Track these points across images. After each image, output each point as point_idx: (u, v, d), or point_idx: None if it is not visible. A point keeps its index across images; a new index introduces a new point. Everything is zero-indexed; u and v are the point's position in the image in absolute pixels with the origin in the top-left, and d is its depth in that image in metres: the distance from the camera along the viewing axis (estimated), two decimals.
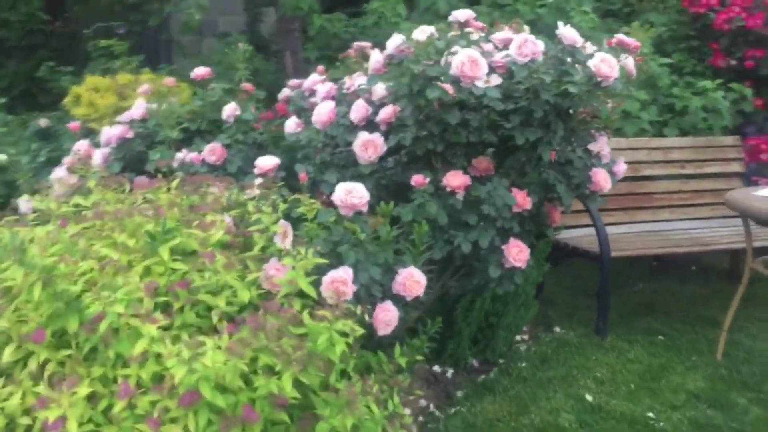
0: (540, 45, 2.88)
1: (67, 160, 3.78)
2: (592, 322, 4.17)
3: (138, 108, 3.68)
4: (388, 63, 2.96)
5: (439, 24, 3.23)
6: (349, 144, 2.95)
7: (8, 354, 2.12)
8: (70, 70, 6.57)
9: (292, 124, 3.19)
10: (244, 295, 2.30)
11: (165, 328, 2.17)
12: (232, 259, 2.38)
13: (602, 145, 3.35)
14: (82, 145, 3.75)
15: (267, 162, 3.00)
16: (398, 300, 2.61)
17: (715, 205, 4.85)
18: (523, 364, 3.65)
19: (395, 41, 2.99)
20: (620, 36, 3.04)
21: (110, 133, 3.68)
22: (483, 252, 2.95)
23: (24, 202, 3.54)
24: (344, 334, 2.19)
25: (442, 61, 2.87)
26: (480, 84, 2.72)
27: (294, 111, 3.55)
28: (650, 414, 3.23)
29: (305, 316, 2.22)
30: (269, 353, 2.07)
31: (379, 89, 3.31)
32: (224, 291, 2.31)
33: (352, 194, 2.57)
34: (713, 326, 4.23)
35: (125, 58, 5.91)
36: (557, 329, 4.11)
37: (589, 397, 3.35)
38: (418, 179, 2.85)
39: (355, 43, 4.11)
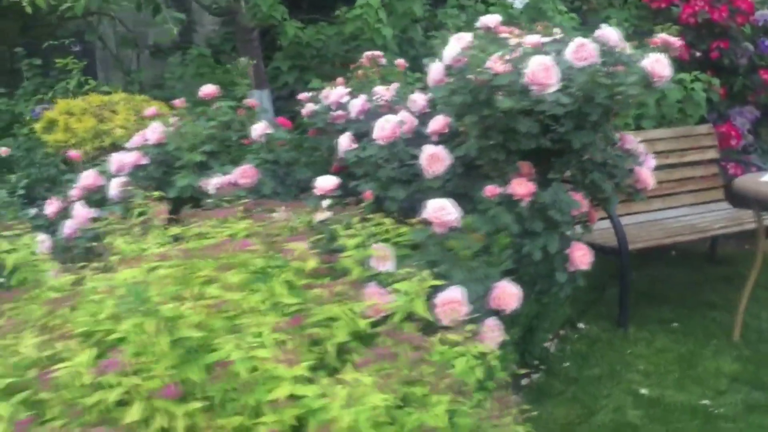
0: (596, 48, 2.89)
1: (74, 192, 3.51)
2: (606, 315, 4.26)
3: (154, 131, 3.45)
4: (448, 73, 2.89)
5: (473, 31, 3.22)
6: (414, 158, 2.87)
7: (136, 413, 1.93)
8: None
9: (346, 141, 3.07)
10: (356, 325, 2.20)
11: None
12: (333, 288, 2.27)
13: (635, 142, 3.42)
14: (89, 176, 3.49)
15: (327, 182, 2.89)
16: (494, 314, 2.56)
17: (697, 192, 5.07)
18: (567, 364, 3.68)
19: (452, 51, 2.93)
20: (663, 35, 3.09)
21: (123, 160, 3.44)
22: (552, 257, 2.95)
23: (44, 241, 3.28)
24: (478, 357, 2.13)
25: (499, 66, 2.84)
26: (553, 90, 2.70)
27: (326, 127, 3.44)
28: (705, 401, 3.32)
29: (436, 341, 2.14)
30: (421, 384, 1.98)
31: (420, 99, 3.26)
32: (336, 322, 2.20)
33: (444, 211, 2.51)
34: (714, 309, 4.41)
35: (78, 77, 5.56)
36: (581, 325, 4.17)
37: (644, 391, 3.41)
38: (490, 190, 2.81)
39: (367, 53, 4.02)
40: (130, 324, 1.98)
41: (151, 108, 3.81)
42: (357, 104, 3.34)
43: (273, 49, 6.02)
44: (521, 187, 2.86)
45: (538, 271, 2.99)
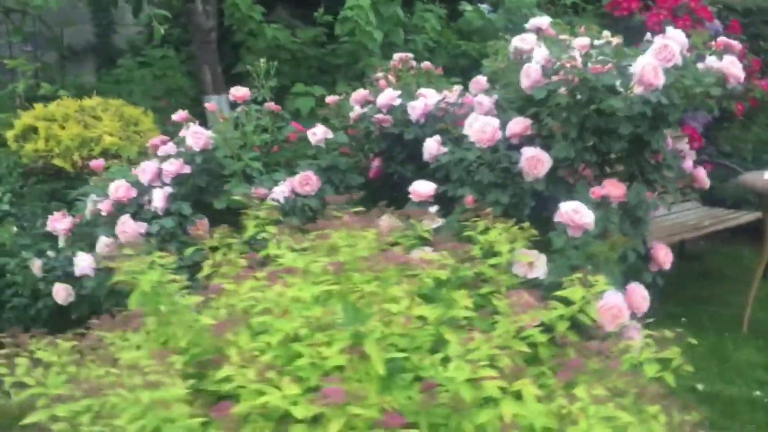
0: (677, 48, 2.92)
1: (104, 205, 3.14)
2: None
3: (198, 137, 3.13)
4: (544, 74, 2.82)
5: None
6: (514, 162, 2.78)
7: None
8: None
9: (434, 145, 2.92)
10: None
11: None
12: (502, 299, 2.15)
13: (681, 144, 3.50)
14: (120, 187, 3.13)
15: (425, 187, 2.74)
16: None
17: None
18: None
19: (542, 53, 2.86)
20: (724, 38, 3.18)
21: (160, 169, 3.11)
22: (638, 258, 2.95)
23: (84, 261, 2.92)
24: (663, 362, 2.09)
25: (582, 66, 2.81)
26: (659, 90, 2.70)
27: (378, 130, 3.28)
28: (758, 393, 3.44)
29: (622, 347, 2.07)
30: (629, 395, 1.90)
31: (486, 102, 3.18)
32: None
33: (579, 213, 2.43)
34: (708, 303, 4.61)
35: (26, 81, 5.02)
36: None
37: (699, 387, 3.48)
38: (597, 192, 2.77)
39: (397, 54, 3.88)
40: (338, 348, 1.76)
41: (182, 112, 3.46)
42: (418, 107, 3.20)
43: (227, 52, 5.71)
44: (616, 189, 2.84)
45: (626, 272, 2.99)
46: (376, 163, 3.53)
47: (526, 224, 2.35)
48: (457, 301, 2.00)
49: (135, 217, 3.07)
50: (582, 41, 3.24)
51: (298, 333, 1.87)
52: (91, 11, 7.81)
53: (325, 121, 3.80)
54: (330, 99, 3.77)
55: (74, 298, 3.45)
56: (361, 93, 3.67)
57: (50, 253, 3.73)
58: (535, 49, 2.89)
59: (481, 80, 3.56)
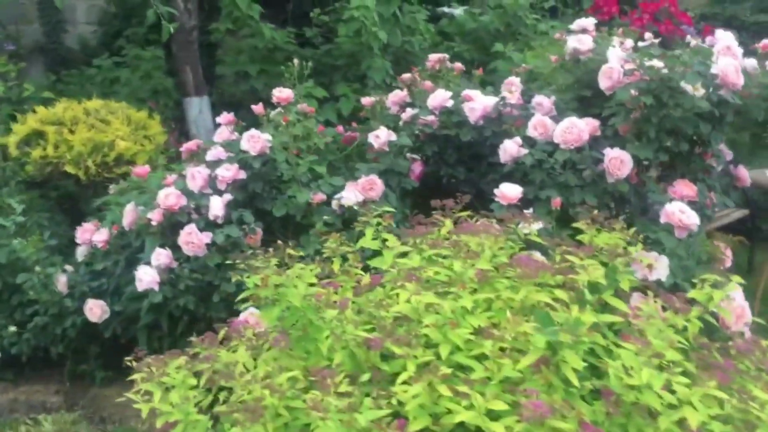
0: (739, 49, 2.98)
1: (154, 215, 2.94)
2: None
3: (255, 141, 2.96)
4: (629, 72, 2.81)
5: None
6: (598, 162, 2.76)
7: None
8: None
9: (513, 147, 2.86)
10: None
11: None
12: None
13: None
14: (170, 195, 2.93)
15: (512, 191, 2.69)
16: None
17: None
18: None
19: (617, 54, 2.86)
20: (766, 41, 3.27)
21: (222, 175, 2.93)
22: None
23: (148, 275, 2.73)
24: None
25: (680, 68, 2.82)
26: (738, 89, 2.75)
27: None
28: None
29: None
30: None
31: (546, 102, 3.16)
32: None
33: (686, 214, 2.44)
34: None
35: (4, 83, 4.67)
36: None
37: None
38: (677, 192, 2.79)
39: (433, 56, 3.81)
40: (533, 357, 1.69)
41: (228, 115, 3.26)
42: (478, 108, 3.15)
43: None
44: (688, 189, 2.88)
45: None
46: (417, 166, 3.44)
47: (632, 226, 2.34)
48: (617, 308, 1.96)
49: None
50: (629, 43, 3.28)
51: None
52: (38, 9, 7.40)
53: (363, 123, 3.70)
54: (366, 101, 3.66)
55: (109, 315, 3.22)
56: (398, 94, 3.59)
57: (68, 268, 3.47)
58: (610, 51, 2.88)
59: (514, 81, 3.54)
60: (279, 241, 2.35)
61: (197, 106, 5.61)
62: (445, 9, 6.25)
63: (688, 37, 3.45)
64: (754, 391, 1.82)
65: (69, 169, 3.64)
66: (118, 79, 5.21)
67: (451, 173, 3.33)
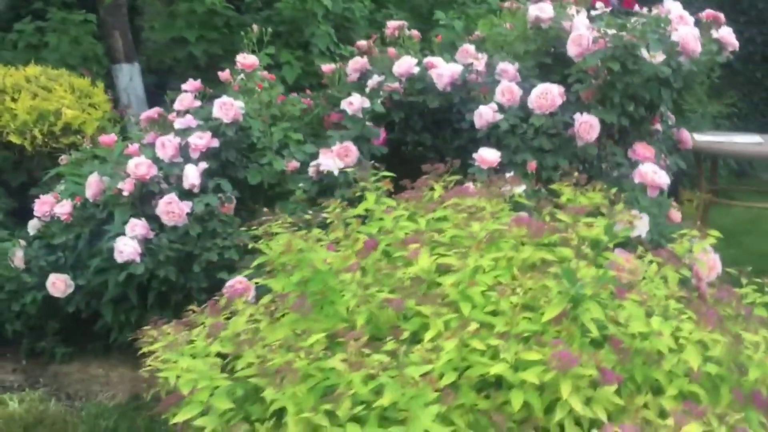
0: (690, 18, 3.15)
1: (126, 185, 2.85)
2: None
3: (227, 109, 2.91)
4: (596, 39, 2.93)
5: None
6: (567, 127, 2.88)
7: None
8: None
9: (489, 112, 2.93)
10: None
11: None
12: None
13: None
14: (141, 164, 2.85)
15: (491, 155, 2.78)
16: None
17: None
18: None
19: (583, 22, 2.98)
20: (711, 11, 3.47)
21: (195, 143, 2.87)
22: None
23: (129, 246, 2.66)
24: None
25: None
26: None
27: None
28: None
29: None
30: None
31: (510, 69, 3.25)
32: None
33: (658, 174, 2.60)
34: None
35: None
36: None
37: None
38: (639, 153, 2.94)
39: (391, 23, 3.82)
40: (555, 312, 1.78)
41: (195, 83, 3.17)
42: (446, 75, 3.20)
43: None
44: (647, 151, 3.05)
45: None
46: (381, 133, 3.47)
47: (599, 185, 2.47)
48: (622, 263, 2.08)
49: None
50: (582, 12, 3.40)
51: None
52: None
53: (323, 89, 3.69)
54: (326, 68, 3.65)
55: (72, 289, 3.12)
56: (359, 61, 3.59)
57: (21, 242, 3.33)
58: (576, 18, 3.00)
59: (469, 48, 3.62)
60: (261, 209, 2.35)
61: (128, 73, 5.42)
62: None
63: (598, 4, 3.60)
64: (744, 334, 1.98)
65: (13, 139, 3.47)
66: (44, 44, 4.95)
67: (417, 140, 3.39)
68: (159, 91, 5.35)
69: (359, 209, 2.28)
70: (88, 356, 3.40)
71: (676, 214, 3.08)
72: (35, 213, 3.13)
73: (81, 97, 3.79)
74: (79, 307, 3.19)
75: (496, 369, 1.74)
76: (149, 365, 1.90)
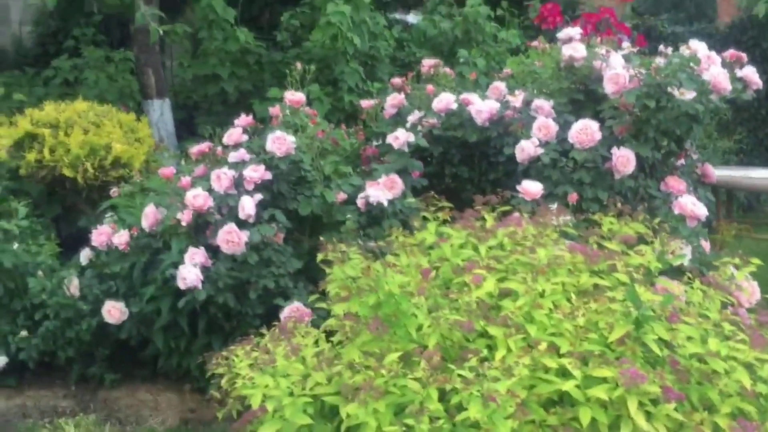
0: (717, 58, 3.31)
1: (184, 215, 2.98)
2: None
3: (280, 143, 3.05)
4: (632, 78, 3.08)
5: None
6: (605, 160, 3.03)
7: None
8: None
9: (530, 146, 3.08)
10: None
11: None
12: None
13: None
14: (198, 196, 2.99)
15: (534, 187, 2.92)
16: None
17: None
18: None
19: (618, 61, 3.14)
20: (735, 52, 3.63)
21: (250, 176, 3.00)
22: None
23: (192, 273, 2.78)
24: None
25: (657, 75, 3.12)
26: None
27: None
28: None
29: None
30: None
31: (546, 106, 3.40)
32: None
33: (697, 206, 2.74)
34: None
35: None
36: None
37: None
38: (673, 186, 3.09)
39: (427, 61, 3.99)
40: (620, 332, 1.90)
41: (247, 118, 3.32)
42: (485, 111, 3.36)
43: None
44: (679, 184, 3.19)
45: None
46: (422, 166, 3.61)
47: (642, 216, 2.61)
48: (673, 289, 2.20)
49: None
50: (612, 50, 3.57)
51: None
52: None
53: (358, 124, 3.85)
54: (365, 104, 3.81)
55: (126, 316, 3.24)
56: (396, 98, 3.75)
57: (70, 271, 3.45)
58: (612, 58, 3.16)
59: (500, 86, 3.78)
60: (309, 239, 2.48)
61: (159, 109, 5.58)
62: (397, 16, 6.47)
63: (624, 44, 3.78)
64: None
65: (66, 172, 3.60)
66: (80, 80, 5.12)
67: (455, 172, 3.53)
68: (182, 126, 5.53)
69: (422, 236, 2.41)
70: (135, 382, 3.50)
71: (705, 244, 3.21)
72: (93, 242, 3.26)
73: (127, 132, 3.93)
74: (130, 333, 3.30)
75: (567, 386, 1.86)
76: (221, 386, 2.00)
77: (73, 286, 3.26)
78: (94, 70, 5.06)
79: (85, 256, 3.46)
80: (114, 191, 3.53)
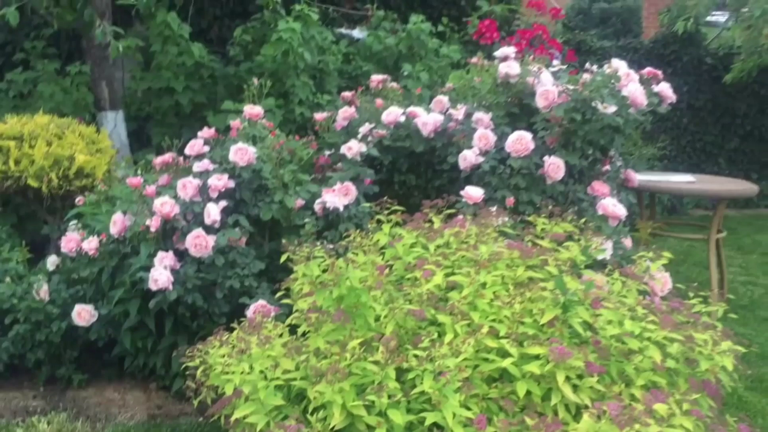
0: (635, 75, 3.69)
1: (153, 222, 3.19)
2: None
3: (242, 154, 3.29)
4: (560, 94, 3.43)
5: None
6: (538, 167, 3.37)
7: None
8: None
9: (472, 155, 3.39)
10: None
11: None
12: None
13: None
14: (165, 203, 3.20)
15: (476, 192, 3.23)
16: None
17: None
18: None
19: (548, 78, 3.48)
20: (652, 69, 4.03)
21: (214, 184, 3.23)
22: None
23: (163, 275, 2.99)
24: None
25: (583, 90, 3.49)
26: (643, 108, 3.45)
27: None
28: None
29: None
30: None
31: (485, 119, 3.73)
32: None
33: (617, 207, 3.09)
34: None
35: None
36: None
37: None
38: (598, 189, 3.43)
39: (375, 76, 4.27)
40: (549, 316, 2.22)
41: (210, 131, 3.54)
42: (430, 123, 3.66)
43: None
44: (603, 188, 3.55)
45: None
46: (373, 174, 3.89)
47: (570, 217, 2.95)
48: (595, 280, 2.53)
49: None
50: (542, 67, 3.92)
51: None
52: None
53: (309, 134, 4.11)
54: (319, 116, 4.08)
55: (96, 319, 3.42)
56: (348, 111, 4.03)
57: (39, 277, 3.61)
58: (543, 75, 3.50)
59: (443, 99, 4.10)
60: (268, 243, 2.72)
61: (113, 120, 5.72)
62: (343, 31, 6.74)
63: (555, 60, 4.16)
64: (694, 334, 2.45)
65: (32, 182, 3.76)
66: (34, 93, 5.24)
67: (404, 179, 3.83)
68: (133, 136, 5.68)
69: (378, 237, 2.69)
70: (103, 382, 3.68)
71: (626, 241, 3.58)
72: (62, 249, 3.43)
73: (89, 143, 4.10)
74: (99, 335, 3.49)
75: (506, 363, 2.16)
76: (196, 377, 2.24)
77: (43, 290, 3.43)
78: (49, 83, 5.19)
79: (51, 262, 3.63)
80: (79, 200, 3.70)
